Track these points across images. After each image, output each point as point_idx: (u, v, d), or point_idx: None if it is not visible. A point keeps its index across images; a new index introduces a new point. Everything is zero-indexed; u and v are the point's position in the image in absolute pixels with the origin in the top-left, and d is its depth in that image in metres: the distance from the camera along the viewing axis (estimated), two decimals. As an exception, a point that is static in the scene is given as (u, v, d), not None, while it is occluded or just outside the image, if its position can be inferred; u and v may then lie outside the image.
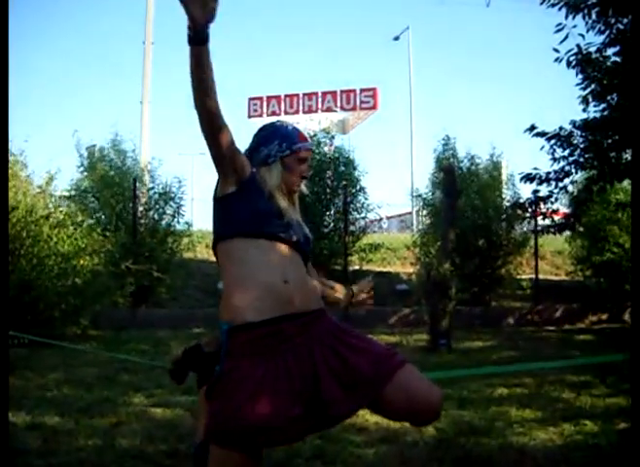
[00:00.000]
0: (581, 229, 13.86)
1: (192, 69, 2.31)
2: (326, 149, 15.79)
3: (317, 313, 2.58)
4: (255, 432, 2.33)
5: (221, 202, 2.63)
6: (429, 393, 2.51)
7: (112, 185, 14.32)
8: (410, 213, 24.52)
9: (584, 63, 9.66)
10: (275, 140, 2.70)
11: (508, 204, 14.71)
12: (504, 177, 16.50)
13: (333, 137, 16.38)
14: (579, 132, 10.29)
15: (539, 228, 13.63)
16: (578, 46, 9.59)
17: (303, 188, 2.81)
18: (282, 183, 2.68)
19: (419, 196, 16.61)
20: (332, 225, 15.29)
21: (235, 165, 2.56)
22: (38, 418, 5.47)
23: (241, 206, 2.57)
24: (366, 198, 15.64)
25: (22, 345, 9.10)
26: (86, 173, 15.01)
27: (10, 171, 11.10)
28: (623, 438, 4.63)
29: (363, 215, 15.67)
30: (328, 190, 15.15)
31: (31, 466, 4.19)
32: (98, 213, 14.42)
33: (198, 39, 2.26)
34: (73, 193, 14.63)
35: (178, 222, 15.04)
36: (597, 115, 10.20)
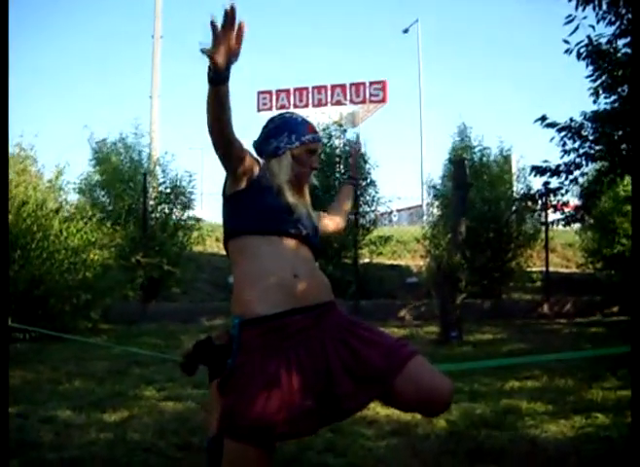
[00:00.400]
0: (591, 221, 13.82)
1: (209, 104, 2.29)
2: (337, 142, 15.73)
3: (328, 306, 2.59)
4: (268, 426, 2.33)
5: (230, 200, 2.64)
6: (440, 384, 2.50)
7: (123, 179, 14.34)
8: (421, 206, 24.50)
9: (594, 55, 9.61)
10: (284, 132, 2.71)
11: (517, 196, 14.63)
12: (515, 170, 16.44)
13: (345, 131, 16.30)
14: (589, 124, 10.24)
15: (549, 220, 13.58)
16: (588, 37, 9.54)
17: (313, 179, 2.81)
18: (292, 175, 2.68)
19: (433, 187, 16.57)
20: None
21: (245, 167, 2.57)
22: (50, 412, 5.50)
23: (251, 203, 2.59)
24: (376, 192, 15.61)
25: (34, 340, 9.17)
26: (97, 167, 15.01)
27: (21, 166, 11.15)
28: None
29: (373, 208, 15.64)
30: (338, 183, 15.12)
31: (44, 459, 4.20)
32: (108, 207, 14.44)
33: (220, 80, 2.22)
34: (83, 187, 14.66)
35: (188, 216, 15.07)
36: (608, 107, 10.16)
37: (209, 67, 2.20)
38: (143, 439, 4.74)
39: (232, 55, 2.20)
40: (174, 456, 4.37)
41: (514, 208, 15.00)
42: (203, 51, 2.16)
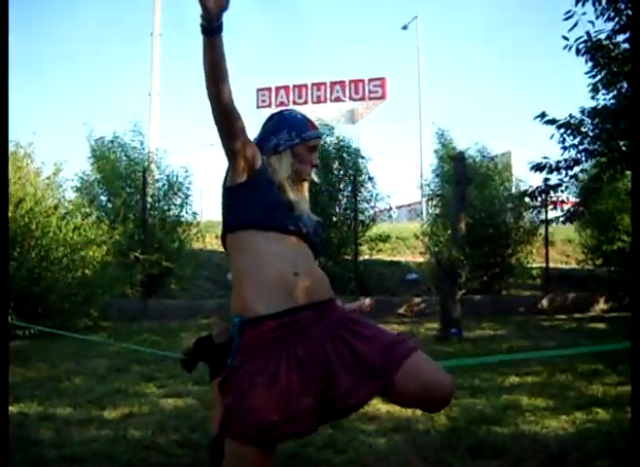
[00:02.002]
0: (590, 218, 13.81)
1: (205, 59, 2.29)
2: (329, 140, 15.60)
3: (327, 304, 2.57)
4: (268, 426, 2.32)
5: (231, 192, 2.61)
6: (440, 380, 2.48)
7: (121, 176, 14.31)
8: (420, 203, 24.49)
9: (593, 51, 9.61)
10: (284, 129, 2.69)
11: (517, 193, 14.61)
12: (500, 167, 16.45)
13: (332, 128, 16.05)
14: (589, 120, 10.23)
15: (549, 217, 13.57)
16: (587, 33, 9.54)
17: (314, 176, 2.80)
18: (292, 172, 2.67)
19: (428, 185, 16.56)
20: (341, 215, 15.21)
21: (246, 155, 2.53)
22: (50, 409, 5.50)
23: (252, 198, 2.55)
24: (374, 188, 15.56)
25: (34, 337, 9.16)
26: (95, 164, 14.94)
27: (19, 164, 11.11)
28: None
29: (372, 204, 15.60)
30: (336, 180, 15.09)
31: (44, 457, 4.20)
32: (106, 204, 14.39)
33: (212, 29, 2.23)
34: (80, 184, 14.60)
35: (186, 212, 15.04)
36: (607, 103, 10.16)
37: (201, 15, 2.21)
38: (143, 436, 4.74)
39: (223, 1, 2.22)
40: (175, 453, 4.37)
41: (509, 205, 15.00)
42: None
